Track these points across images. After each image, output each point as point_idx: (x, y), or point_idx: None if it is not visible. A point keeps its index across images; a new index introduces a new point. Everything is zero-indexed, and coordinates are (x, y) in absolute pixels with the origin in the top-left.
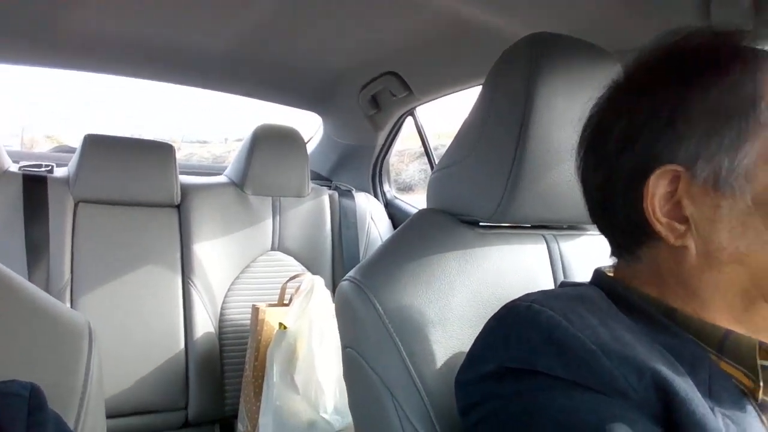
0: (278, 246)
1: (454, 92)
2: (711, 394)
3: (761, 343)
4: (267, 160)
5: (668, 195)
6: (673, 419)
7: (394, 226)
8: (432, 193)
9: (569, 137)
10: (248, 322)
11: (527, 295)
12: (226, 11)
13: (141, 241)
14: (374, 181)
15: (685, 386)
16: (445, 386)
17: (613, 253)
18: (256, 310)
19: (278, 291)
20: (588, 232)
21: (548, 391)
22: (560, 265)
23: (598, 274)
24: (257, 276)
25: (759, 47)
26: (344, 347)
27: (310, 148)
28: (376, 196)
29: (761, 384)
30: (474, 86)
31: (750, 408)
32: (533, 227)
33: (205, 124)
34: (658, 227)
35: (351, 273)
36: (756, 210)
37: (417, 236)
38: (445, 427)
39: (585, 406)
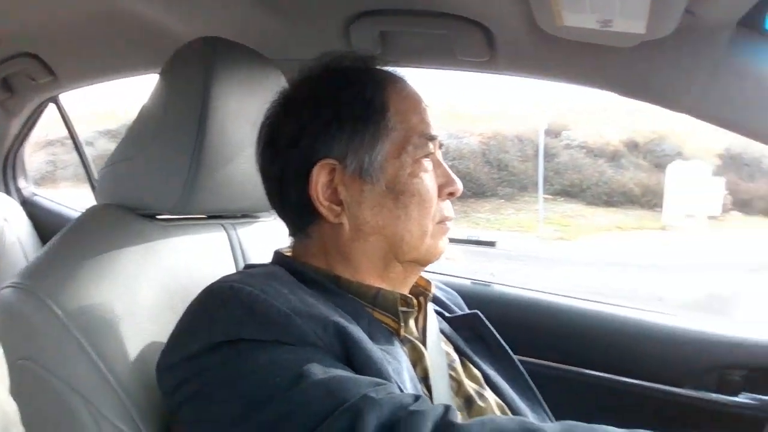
0: None
1: (110, 80)
2: (371, 336)
3: (401, 296)
4: None
5: (328, 182)
6: (350, 356)
7: (37, 228)
8: (104, 188)
9: (244, 133)
10: None
11: (225, 277)
12: None
13: None
14: (6, 177)
15: (356, 331)
16: (142, 377)
17: (291, 233)
18: None
19: None
20: (260, 219)
21: (252, 353)
22: (240, 251)
23: (278, 254)
24: None
25: (386, 68)
26: (15, 361)
27: None
28: (9, 193)
29: (402, 325)
30: (134, 76)
31: (396, 343)
32: (211, 217)
33: None
34: (321, 209)
35: (15, 279)
36: (388, 194)
37: (92, 233)
38: (145, 417)
39: (284, 356)
